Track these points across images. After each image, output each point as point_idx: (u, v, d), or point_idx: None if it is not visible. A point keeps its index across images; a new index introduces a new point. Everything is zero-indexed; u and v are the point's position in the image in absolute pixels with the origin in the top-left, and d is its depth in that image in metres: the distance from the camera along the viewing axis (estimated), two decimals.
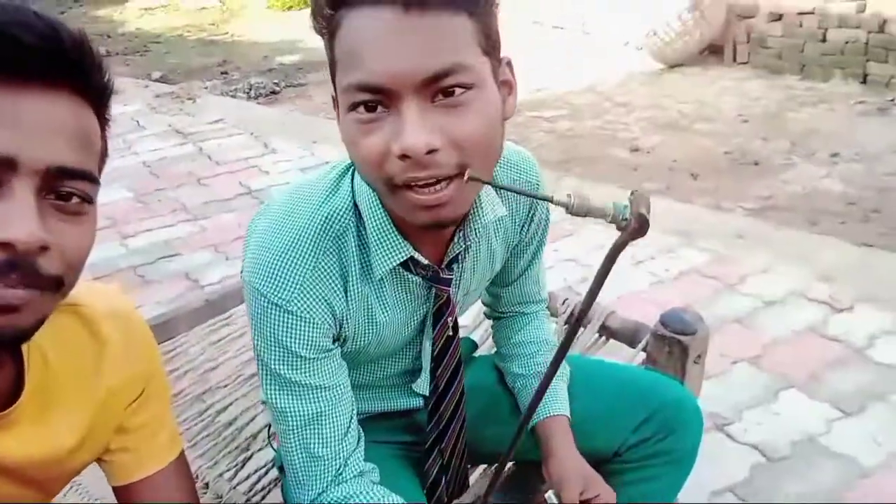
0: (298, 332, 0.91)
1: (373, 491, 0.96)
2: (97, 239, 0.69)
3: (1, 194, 0.60)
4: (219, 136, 4.48)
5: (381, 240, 0.91)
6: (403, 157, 0.75)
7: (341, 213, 0.93)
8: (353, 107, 0.77)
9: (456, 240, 0.97)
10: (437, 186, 0.78)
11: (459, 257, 1.00)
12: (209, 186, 3.73)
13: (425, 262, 0.95)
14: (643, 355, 1.44)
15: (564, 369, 1.21)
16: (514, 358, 1.23)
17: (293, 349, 0.91)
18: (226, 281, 2.72)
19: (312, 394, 0.94)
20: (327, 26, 0.81)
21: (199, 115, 4.89)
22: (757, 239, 3.01)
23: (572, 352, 1.49)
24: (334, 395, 0.96)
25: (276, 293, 0.89)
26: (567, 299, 1.58)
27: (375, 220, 0.91)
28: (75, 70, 0.63)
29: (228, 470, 1.32)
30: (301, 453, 0.95)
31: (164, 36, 7.89)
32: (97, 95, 0.67)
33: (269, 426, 1.34)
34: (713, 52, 5.98)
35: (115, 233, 3.17)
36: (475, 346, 1.40)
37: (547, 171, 3.86)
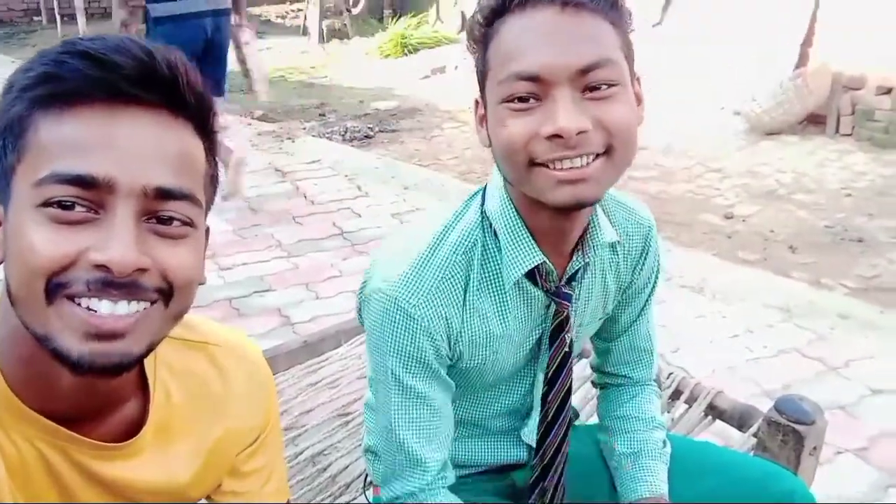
0: (420, 338, 0.95)
1: None
2: None
3: (102, 217, 0.61)
4: (315, 176, 4.63)
5: (515, 244, 0.95)
6: (555, 136, 0.82)
7: (472, 228, 0.98)
8: (508, 99, 0.85)
9: (576, 257, 1.00)
10: (584, 160, 0.83)
11: (578, 275, 1.02)
12: (303, 225, 3.84)
13: (553, 269, 0.98)
14: (753, 441, 1.37)
15: (665, 450, 1.17)
16: (617, 433, 1.19)
17: (414, 355, 0.95)
18: (317, 320, 2.77)
19: (423, 401, 0.98)
20: (482, 40, 0.89)
21: (298, 154, 5.07)
22: (862, 321, 2.86)
23: (677, 431, 1.44)
24: (441, 408, 1.00)
25: (407, 298, 0.93)
26: (672, 373, 1.54)
27: (510, 227, 0.96)
28: (170, 91, 0.64)
29: None
30: (401, 453, 0.99)
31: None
32: (198, 118, 0.68)
33: (366, 476, 1.33)
34: (813, 122, 5.81)
35: (213, 264, 3.29)
36: (576, 414, 1.37)
37: None
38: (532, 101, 0.83)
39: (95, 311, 0.60)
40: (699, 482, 1.14)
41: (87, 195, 0.60)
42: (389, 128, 6.16)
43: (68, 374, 0.64)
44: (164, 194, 0.63)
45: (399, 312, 0.93)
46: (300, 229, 3.78)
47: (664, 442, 1.18)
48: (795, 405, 1.29)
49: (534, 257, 0.95)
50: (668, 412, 1.50)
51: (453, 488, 1.04)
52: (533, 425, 1.12)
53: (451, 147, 5.58)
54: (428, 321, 0.93)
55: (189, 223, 0.66)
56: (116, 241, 0.60)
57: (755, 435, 1.36)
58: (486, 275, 0.97)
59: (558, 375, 1.05)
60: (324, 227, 3.78)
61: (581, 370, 1.50)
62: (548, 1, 0.83)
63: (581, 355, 1.67)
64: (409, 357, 0.95)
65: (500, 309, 0.99)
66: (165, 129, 0.64)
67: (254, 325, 2.77)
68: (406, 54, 8.80)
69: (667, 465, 1.15)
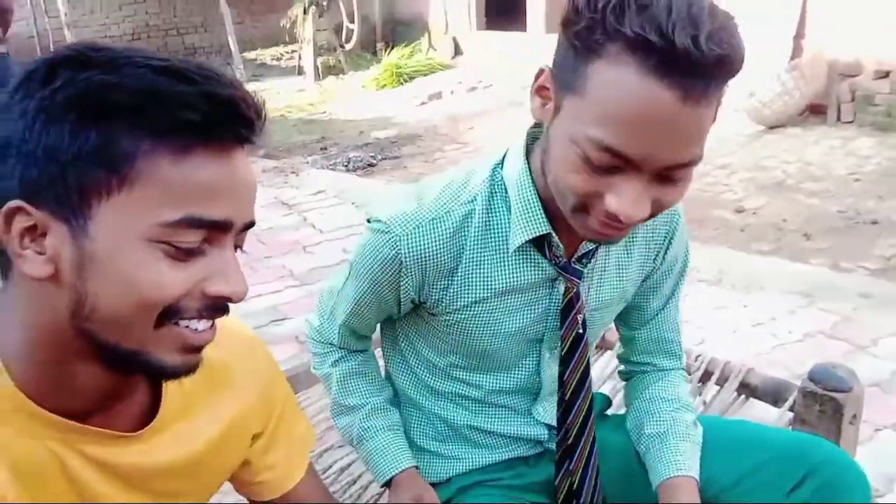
0: (388, 266, 0.99)
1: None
2: None
3: (207, 250, 0.65)
4: (321, 206, 4.64)
5: (525, 212, 0.96)
6: (612, 214, 0.82)
7: (479, 186, 0.99)
8: (583, 154, 0.80)
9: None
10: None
11: (591, 255, 1.02)
12: (314, 254, 3.84)
13: (560, 244, 0.98)
14: (790, 415, 1.34)
15: (695, 430, 1.14)
16: (644, 415, 1.17)
17: (377, 275, 1.01)
18: None
19: (354, 306, 1.08)
20: (589, 42, 0.78)
21: (303, 187, 5.09)
22: (886, 299, 2.82)
23: (710, 412, 1.41)
24: (367, 317, 1.11)
25: (393, 228, 0.98)
26: (700, 355, 1.51)
27: (523, 195, 0.96)
28: (258, 132, 0.68)
29: None
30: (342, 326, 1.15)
31: (267, 116, 8.34)
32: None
33: None
34: (814, 111, 5.80)
35: None
36: (609, 402, 1.34)
37: None
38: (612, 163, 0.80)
39: (196, 329, 0.66)
40: (740, 458, 1.10)
41: (207, 234, 0.64)
42: (391, 155, 6.19)
43: (94, 373, 0.67)
44: (249, 226, 0.68)
45: (383, 239, 0.98)
46: (311, 258, 3.78)
47: (694, 423, 1.15)
48: (830, 373, 1.26)
49: (541, 227, 0.96)
50: (700, 395, 1.47)
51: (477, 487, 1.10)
52: (549, 406, 1.12)
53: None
54: (404, 256, 0.97)
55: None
56: (236, 275, 0.66)
57: (791, 409, 1.32)
58: (491, 233, 0.99)
59: (572, 355, 1.05)
60: (334, 254, 3.77)
61: (608, 362, 1.47)
62: (677, 79, 0.74)
63: (606, 347, 1.64)
64: (369, 271, 1.01)
65: (500, 268, 1.00)
66: (248, 164, 0.68)
67: (274, 353, 2.75)
68: (402, 83, 8.87)
69: (697, 445, 1.12)
